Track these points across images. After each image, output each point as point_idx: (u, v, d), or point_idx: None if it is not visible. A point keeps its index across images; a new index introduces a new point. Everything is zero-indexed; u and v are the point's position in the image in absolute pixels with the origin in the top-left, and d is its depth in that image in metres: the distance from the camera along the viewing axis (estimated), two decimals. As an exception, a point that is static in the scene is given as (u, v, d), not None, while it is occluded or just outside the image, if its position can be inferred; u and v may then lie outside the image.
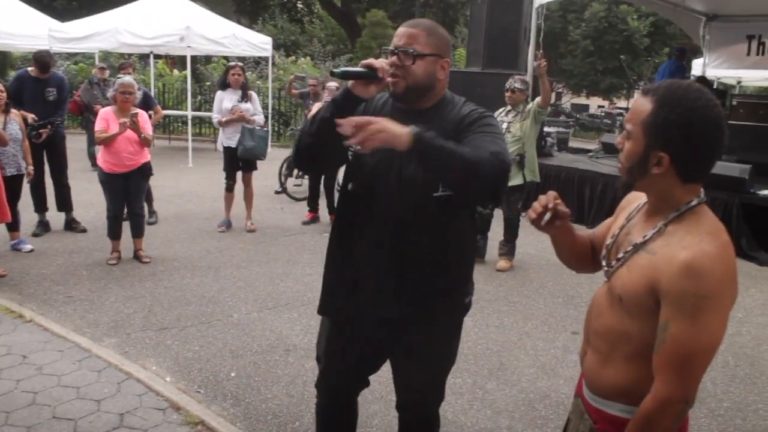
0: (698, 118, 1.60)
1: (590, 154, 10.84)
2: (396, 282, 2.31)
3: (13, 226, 6.56)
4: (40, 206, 7.41)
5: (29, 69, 7.42)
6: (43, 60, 7.28)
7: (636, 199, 1.90)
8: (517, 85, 6.47)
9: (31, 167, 6.58)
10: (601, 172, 8.92)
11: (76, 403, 3.69)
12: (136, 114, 6.00)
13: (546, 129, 10.99)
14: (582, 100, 34.60)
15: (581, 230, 2.10)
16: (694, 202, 1.68)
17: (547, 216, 1.84)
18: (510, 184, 6.41)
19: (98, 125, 6.06)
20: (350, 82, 2.20)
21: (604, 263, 1.86)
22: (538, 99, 6.47)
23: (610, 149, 10.69)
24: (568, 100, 35.55)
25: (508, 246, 6.70)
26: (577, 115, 30.01)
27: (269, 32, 27.03)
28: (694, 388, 1.61)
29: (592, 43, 25.05)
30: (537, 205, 1.86)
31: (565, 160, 10.01)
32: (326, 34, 36.71)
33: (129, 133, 5.99)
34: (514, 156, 6.35)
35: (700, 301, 1.55)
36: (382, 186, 2.28)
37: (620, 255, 1.77)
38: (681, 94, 1.62)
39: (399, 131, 1.98)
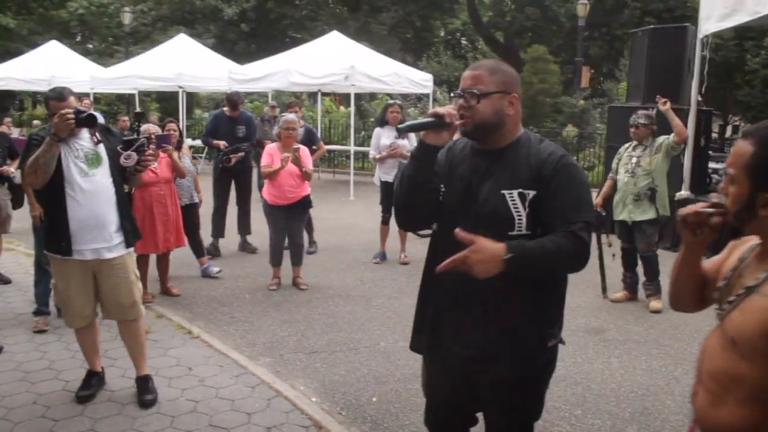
0: None
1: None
2: (473, 321, 2.34)
3: (200, 253, 7.21)
4: (218, 232, 8.17)
5: (224, 108, 8.50)
6: (233, 100, 8.41)
7: (749, 239, 1.86)
8: (641, 120, 6.39)
9: (201, 194, 7.24)
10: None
11: (231, 414, 4.02)
12: (298, 149, 6.44)
13: (712, 165, 10.41)
14: (763, 133, 32.25)
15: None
16: None
17: (713, 218, 1.76)
18: (642, 218, 6.29)
19: (264, 160, 6.58)
20: (422, 134, 2.29)
21: (716, 305, 1.83)
22: (672, 135, 6.32)
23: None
24: (747, 134, 33.30)
25: (653, 285, 6.44)
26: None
27: (433, 69, 27.69)
28: None
29: (773, 72, 23.36)
30: (699, 207, 1.80)
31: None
32: (489, 69, 36.83)
33: (291, 167, 6.44)
34: (645, 190, 6.30)
35: None
36: (461, 225, 2.27)
37: (732, 298, 1.74)
38: None
39: (494, 255, 2.10)
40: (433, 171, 2.35)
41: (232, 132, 8.20)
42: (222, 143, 8.10)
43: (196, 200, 7.05)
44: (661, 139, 6.43)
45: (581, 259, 2.24)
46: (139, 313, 4.13)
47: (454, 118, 2.25)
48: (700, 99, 8.91)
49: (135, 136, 4.20)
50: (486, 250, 2.09)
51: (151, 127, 6.34)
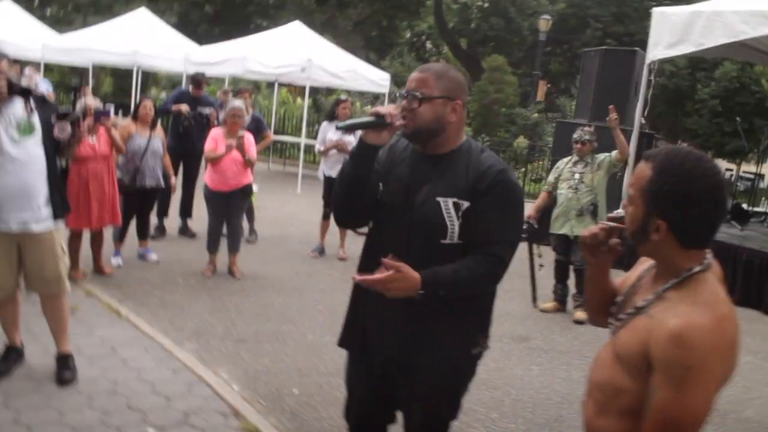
0: (694, 187, 1.63)
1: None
2: (398, 325, 2.38)
3: (143, 235, 7.12)
4: (162, 211, 8.12)
5: (190, 87, 8.60)
6: (197, 79, 8.52)
7: (647, 260, 1.93)
8: (587, 137, 6.58)
9: (174, 179, 7.19)
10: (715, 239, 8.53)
11: (150, 396, 4.01)
12: (243, 136, 6.43)
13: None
14: (708, 161, 33.22)
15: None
16: (696, 269, 1.69)
17: (611, 239, 1.88)
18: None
19: (208, 145, 6.55)
20: (361, 133, 2.29)
21: (611, 321, 1.89)
22: (615, 152, 6.50)
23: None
24: (693, 161, 34.26)
25: (583, 297, 6.62)
26: (701, 177, 28.87)
27: (396, 69, 27.79)
28: None
29: (720, 103, 24.09)
30: (597, 230, 1.90)
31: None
32: (451, 75, 37.10)
33: (235, 154, 6.43)
34: (587, 205, 6.46)
35: (686, 372, 1.55)
36: (394, 228, 2.36)
37: (623, 315, 1.81)
38: (678, 162, 1.65)
39: (408, 286, 2.19)
40: (372, 170, 2.34)
41: (193, 111, 8.20)
42: (184, 106, 8.08)
43: (161, 184, 6.96)
44: (601, 156, 6.61)
45: (494, 280, 2.35)
46: (62, 288, 4.05)
47: (394, 118, 2.22)
48: (643, 121, 9.17)
49: (71, 109, 4.11)
50: (403, 281, 2.17)
51: (89, 101, 6.26)
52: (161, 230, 8.13)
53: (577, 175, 6.56)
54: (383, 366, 2.50)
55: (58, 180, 4.01)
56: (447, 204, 2.27)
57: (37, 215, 3.84)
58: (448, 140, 2.35)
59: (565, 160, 6.82)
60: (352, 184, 2.36)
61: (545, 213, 6.79)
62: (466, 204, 2.27)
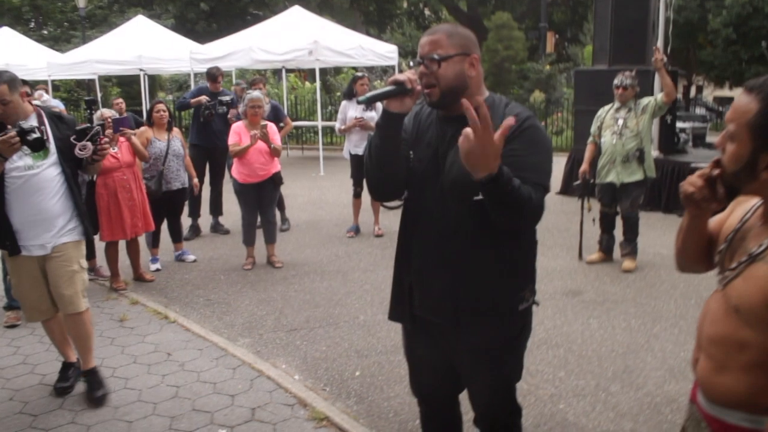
0: None
1: (730, 148, 10.19)
2: (443, 288, 2.31)
3: (177, 238, 7.08)
4: (194, 212, 8.08)
5: (207, 84, 8.49)
6: (212, 73, 8.39)
7: (750, 198, 1.75)
8: (628, 81, 6.34)
9: (196, 180, 7.12)
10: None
11: (213, 397, 3.97)
12: (266, 126, 6.34)
13: (680, 125, 10.49)
14: (725, 92, 32.61)
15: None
16: None
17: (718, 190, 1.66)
18: (631, 179, 6.26)
19: (231, 139, 6.47)
20: (385, 103, 2.22)
21: (718, 270, 1.74)
22: (661, 95, 6.27)
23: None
24: (709, 93, 33.61)
25: (630, 245, 6.49)
26: (721, 109, 28.33)
27: (397, 41, 27.52)
28: None
29: (734, 30, 23.52)
30: (701, 182, 1.67)
31: (700, 156, 9.47)
32: (454, 39, 36.72)
33: (260, 145, 6.34)
34: (633, 151, 6.26)
35: None
36: (429, 193, 2.29)
37: (735, 264, 1.65)
38: None
39: (493, 151, 1.93)
40: (400, 139, 2.30)
41: (214, 107, 8.10)
42: (204, 98, 8.01)
43: (186, 185, 6.91)
44: (646, 100, 6.41)
45: (536, 215, 2.16)
46: (79, 305, 3.89)
47: (414, 83, 2.18)
48: (665, 59, 8.93)
49: (89, 124, 4.00)
50: (491, 142, 1.91)
51: (105, 112, 6.20)
52: (195, 230, 8.11)
53: (620, 121, 6.35)
54: (437, 334, 2.44)
55: (78, 197, 3.90)
56: None
57: (58, 236, 3.77)
58: (471, 98, 2.21)
59: (606, 107, 6.60)
60: (382, 156, 2.30)
61: (594, 165, 6.62)
62: None
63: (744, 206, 1.76)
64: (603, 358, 4.48)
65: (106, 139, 3.87)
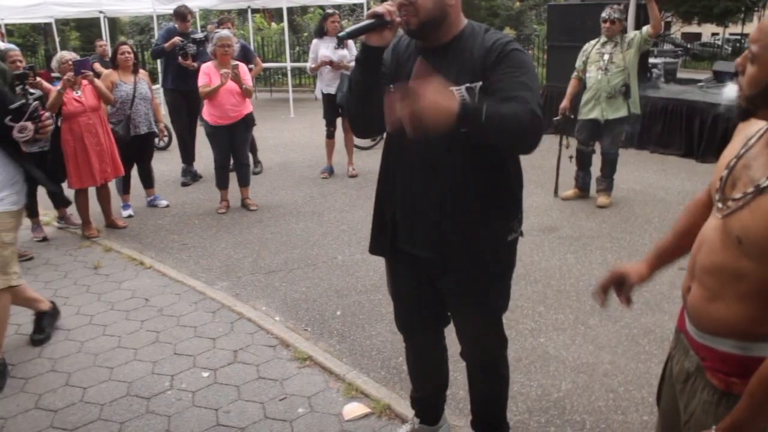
0: None
1: (700, 84, 10.23)
2: (430, 223, 2.29)
3: (148, 183, 6.92)
4: (188, 157, 7.91)
5: (176, 25, 7.97)
6: (181, 12, 7.89)
7: (755, 122, 1.67)
8: (617, 15, 6.21)
9: (162, 124, 6.93)
10: (712, 102, 8.40)
11: (194, 341, 3.94)
12: (237, 66, 6.17)
13: (652, 60, 10.48)
14: (693, 28, 32.60)
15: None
16: None
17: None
18: (615, 116, 6.21)
19: (201, 80, 6.28)
20: (364, 37, 2.15)
21: (717, 197, 1.67)
22: (647, 27, 6.18)
23: (723, 78, 10.08)
24: (678, 29, 33.57)
25: (607, 181, 6.50)
26: (688, 45, 28.38)
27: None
28: None
29: (704, -37, 23.46)
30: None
31: (673, 91, 9.49)
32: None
33: (231, 85, 6.18)
34: (620, 87, 6.19)
35: None
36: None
37: (739, 195, 1.58)
38: None
39: (446, 106, 1.84)
40: (380, 73, 2.24)
41: (184, 48, 7.68)
42: (177, 39, 7.61)
43: (155, 129, 6.72)
44: (632, 34, 6.33)
45: (526, 123, 2.00)
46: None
47: (394, 15, 2.11)
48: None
49: (23, 101, 3.45)
50: (439, 91, 1.84)
51: (66, 54, 5.98)
52: (194, 175, 7.94)
53: (606, 56, 6.25)
54: (422, 267, 2.42)
55: (14, 163, 3.49)
56: (461, 91, 2.14)
57: None
58: (450, 26, 2.22)
59: (592, 42, 6.47)
60: (362, 91, 2.25)
61: (576, 101, 6.55)
62: (479, 84, 2.15)
63: (745, 131, 1.69)
64: (581, 293, 4.53)
65: (47, 114, 3.49)
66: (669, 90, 9.66)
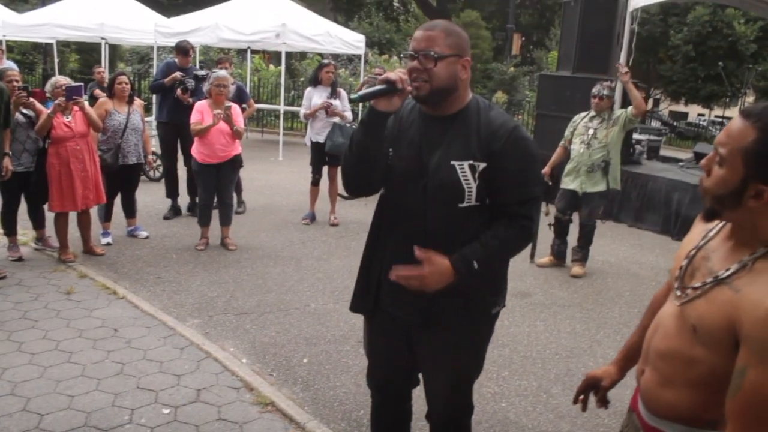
0: None
1: (681, 163, 10.49)
2: (418, 292, 2.29)
3: (130, 213, 6.95)
4: (173, 192, 7.93)
5: (174, 58, 8.08)
6: (183, 47, 7.99)
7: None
8: (605, 92, 6.39)
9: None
10: (692, 183, 8.62)
11: (159, 376, 3.94)
12: (230, 107, 6.29)
13: (636, 136, 10.73)
14: (681, 107, 33.39)
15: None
16: None
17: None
18: (593, 190, 6.35)
19: (194, 117, 6.39)
20: (372, 100, 2.21)
21: (677, 284, 1.73)
22: (631, 108, 6.37)
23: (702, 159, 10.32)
24: (665, 107, 34.38)
25: (582, 252, 6.62)
26: (675, 123, 29.02)
27: (364, 30, 27.37)
28: None
29: (693, 48, 24.09)
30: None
31: (654, 168, 9.72)
32: (421, 33, 36.76)
33: (222, 126, 6.29)
34: (599, 162, 6.34)
35: None
36: (410, 193, 2.29)
37: (697, 284, 1.64)
38: None
39: (444, 270, 2.19)
40: (383, 137, 2.29)
41: (184, 82, 7.73)
42: (178, 74, 7.66)
43: (142, 160, 6.80)
44: (619, 112, 6.50)
45: (526, 240, 2.34)
46: None
47: (405, 83, 2.16)
48: (618, 75, 9.12)
49: None
50: (437, 271, 2.18)
51: (61, 79, 6.08)
52: (176, 210, 7.94)
53: (591, 131, 6.40)
54: (402, 329, 2.47)
55: None
56: (463, 167, 2.22)
57: None
58: (457, 99, 2.29)
59: (582, 114, 6.65)
60: (363, 152, 2.30)
61: (560, 169, 6.70)
62: (482, 165, 2.22)
63: (705, 226, 1.77)
64: (546, 360, 4.59)
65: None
66: (650, 167, 9.90)
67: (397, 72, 2.18)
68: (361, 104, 9.39)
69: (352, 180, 2.43)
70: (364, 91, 2.25)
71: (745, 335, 1.48)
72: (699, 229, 1.80)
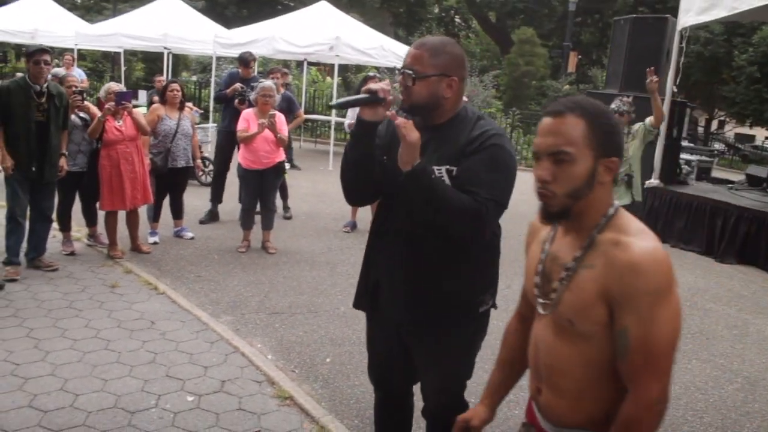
0: (612, 116, 1.74)
1: (731, 185, 10.33)
2: (407, 290, 2.43)
3: (177, 215, 7.29)
4: (216, 197, 8.26)
5: (238, 69, 8.51)
6: (245, 59, 8.39)
7: (539, 229, 1.91)
8: (625, 108, 6.45)
9: (199, 161, 7.38)
10: (738, 204, 8.50)
11: (188, 366, 4.17)
12: (274, 115, 6.55)
13: (685, 156, 10.61)
14: (747, 130, 32.51)
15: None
16: (616, 204, 1.74)
17: None
18: (618, 203, 6.36)
19: (240, 125, 6.67)
20: (359, 111, 2.32)
21: (540, 300, 1.80)
22: (650, 118, 6.43)
23: (755, 182, 10.16)
24: (731, 129, 33.54)
25: None
26: (740, 146, 28.29)
27: (424, 45, 27.52)
28: (669, 383, 1.60)
29: (758, 69, 23.52)
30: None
31: (701, 189, 9.60)
32: (481, 49, 36.92)
33: (267, 133, 6.55)
34: (622, 176, 6.38)
35: (653, 297, 1.55)
36: (399, 197, 2.37)
37: (555, 284, 1.73)
38: (594, 104, 1.69)
39: (414, 150, 2.15)
40: (374, 146, 2.39)
41: (243, 94, 8.03)
42: (238, 85, 7.99)
43: (191, 164, 7.13)
44: (637, 125, 6.56)
45: (469, 219, 2.22)
46: None
47: (387, 93, 2.24)
48: (675, 90, 9.07)
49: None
50: (413, 135, 2.15)
51: (113, 85, 6.44)
52: (213, 215, 8.19)
53: None
54: (396, 329, 2.59)
55: None
56: (441, 171, 2.31)
57: None
58: (446, 112, 2.38)
59: None
60: (355, 162, 2.41)
61: None
62: (455, 169, 2.30)
63: (537, 238, 1.89)
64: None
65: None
66: (697, 187, 9.77)
67: (380, 84, 2.29)
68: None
69: (350, 191, 2.57)
70: (344, 98, 2.37)
71: (616, 298, 1.60)
72: (535, 246, 1.90)
